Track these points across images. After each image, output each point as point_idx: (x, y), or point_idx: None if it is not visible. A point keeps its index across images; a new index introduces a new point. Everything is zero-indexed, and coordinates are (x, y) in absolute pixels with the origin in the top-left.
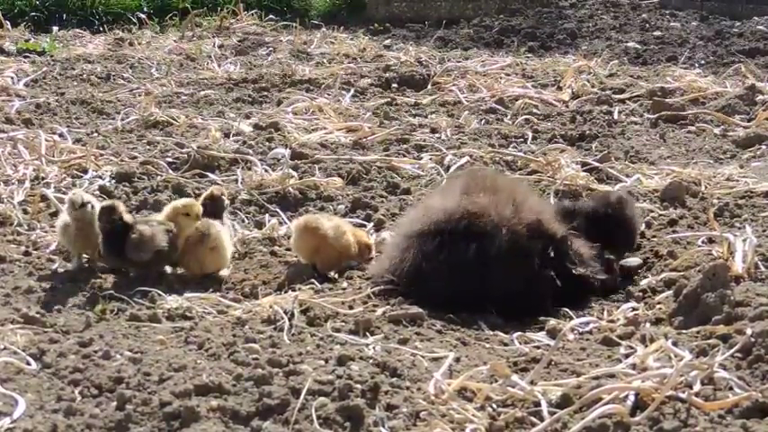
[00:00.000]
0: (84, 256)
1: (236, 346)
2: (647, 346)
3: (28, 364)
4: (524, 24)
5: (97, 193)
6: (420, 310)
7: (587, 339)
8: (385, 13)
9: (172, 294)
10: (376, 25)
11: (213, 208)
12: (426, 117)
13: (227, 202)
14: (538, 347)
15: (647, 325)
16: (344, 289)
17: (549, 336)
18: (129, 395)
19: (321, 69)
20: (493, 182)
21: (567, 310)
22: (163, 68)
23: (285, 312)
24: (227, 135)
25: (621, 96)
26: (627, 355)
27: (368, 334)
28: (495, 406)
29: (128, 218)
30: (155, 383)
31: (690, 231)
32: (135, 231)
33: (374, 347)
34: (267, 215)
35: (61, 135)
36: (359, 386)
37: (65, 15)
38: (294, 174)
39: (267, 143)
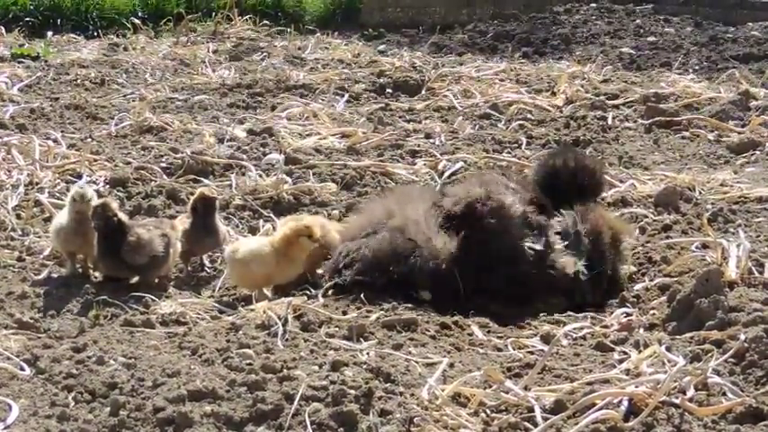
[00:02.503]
0: (78, 264)
1: (229, 351)
2: (640, 351)
3: (21, 369)
4: (519, 30)
5: None
6: (414, 315)
7: (581, 345)
8: (379, 18)
9: (165, 300)
10: (370, 30)
11: (204, 209)
12: (420, 122)
13: (218, 202)
14: (531, 353)
15: (641, 330)
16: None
17: (542, 341)
18: (122, 401)
19: (315, 75)
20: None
21: (560, 315)
22: (157, 74)
23: (279, 318)
24: (221, 140)
25: (615, 102)
26: (620, 361)
27: (361, 339)
28: (488, 411)
29: (123, 216)
30: (148, 389)
31: (684, 237)
32: (132, 234)
33: (368, 353)
34: (261, 220)
35: (55, 140)
36: (352, 392)
37: (59, 20)
38: (288, 179)
39: (261, 148)
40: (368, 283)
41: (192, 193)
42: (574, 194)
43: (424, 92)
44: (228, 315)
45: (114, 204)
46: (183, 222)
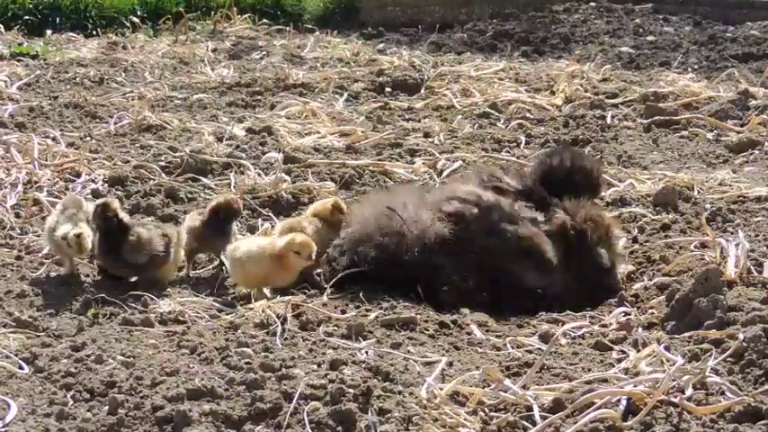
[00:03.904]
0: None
1: (228, 350)
2: (639, 350)
3: (20, 367)
4: (518, 29)
5: (90, 197)
6: (413, 314)
7: (580, 344)
8: (378, 17)
9: (164, 298)
10: (369, 29)
11: (225, 216)
12: (419, 121)
13: (240, 209)
14: (530, 352)
15: (640, 330)
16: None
17: (541, 340)
18: (121, 399)
19: (314, 73)
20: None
21: (559, 315)
22: (156, 72)
23: (278, 317)
24: (220, 139)
25: (614, 101)
26: (619, 360)
27: (360, 338)
28: (487, 410)
29: (124, 216)
30: (147, 388)
31: (682, 236)
32: (133, 233)
33: (366, 352)
34: (260, 219)
35: (54, 139)
36: (351, 390)
37: (58, 19)
38: (287, 178)
39: (260, 147)
40: (360, 262)
41: (191, 192)
42: (571, 194)
43: (423, 91)
44: (227, 314)
45: (116, 204)
46: (192, 219)
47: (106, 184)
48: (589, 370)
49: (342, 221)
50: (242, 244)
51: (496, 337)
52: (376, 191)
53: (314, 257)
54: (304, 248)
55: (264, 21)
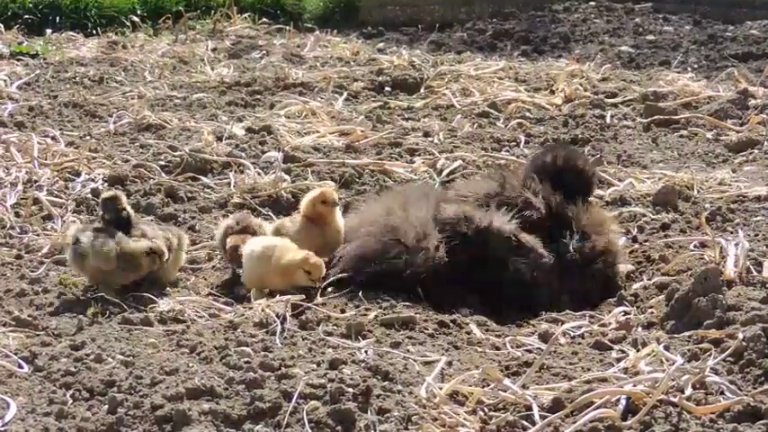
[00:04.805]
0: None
1: (228, 349)
2: (638, 350)
3: (20, 366)
4: (517, 28)
5: (90, 196)
6: (412, 313)
7: (579, 343)
8: (378, 16)
9: (164, 298)
10: (369, 29)
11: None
12: (419, 121)
13: None
14: (530, 351)
15: (639, 329)
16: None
17: (540, 340)
18: (120, 398)
19: (314, 73)
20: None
21: (558, 314)
22: (156, 72)
23: (277, 316)
24: (219, 138)
25: (614, 100)
26: (619, 360)
27: (360, 337)
28: (486, 410)
29: (131, 211)
30: (147, 387)
31: (682, 236)
32: (137, 229)
33: (366, 351)
34: (260, 219)
35: (54, 138)
36: (351, 390)
37: (58, 18)
38: (287, 177)
39: (260, 146)
40: (352, 279)
41: (190, 192)
42: (563, 192)
43: (422, 90)
44: (227, 313)
45: (124, 198)
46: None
47: (106, 184)
48: (588, 369)
49: (329, 213)
50: (251, 242)
51: (496, 336)
52: (380, 193)
53: (322, 277)
54: (315, 270)
55: (264, 20)
